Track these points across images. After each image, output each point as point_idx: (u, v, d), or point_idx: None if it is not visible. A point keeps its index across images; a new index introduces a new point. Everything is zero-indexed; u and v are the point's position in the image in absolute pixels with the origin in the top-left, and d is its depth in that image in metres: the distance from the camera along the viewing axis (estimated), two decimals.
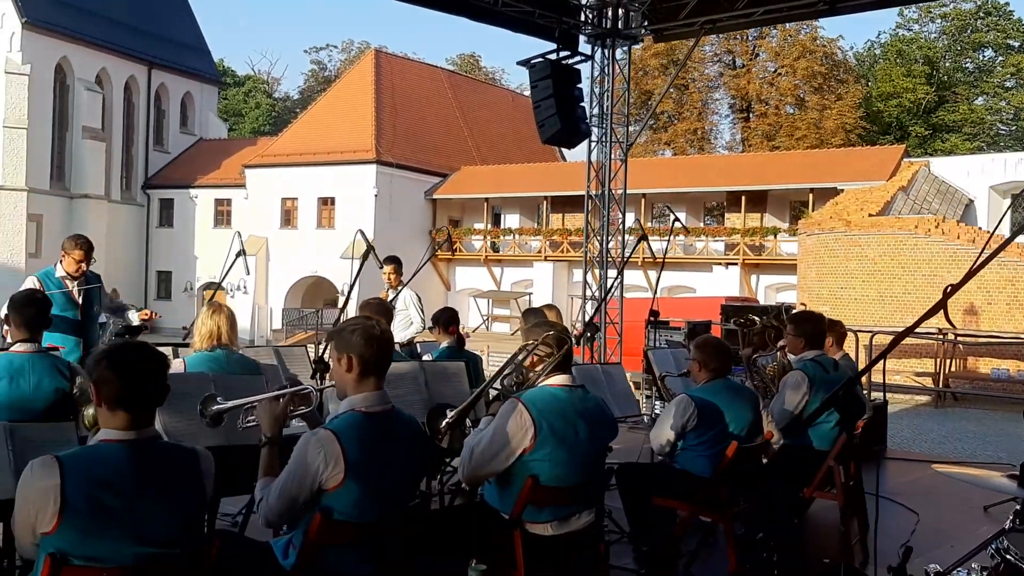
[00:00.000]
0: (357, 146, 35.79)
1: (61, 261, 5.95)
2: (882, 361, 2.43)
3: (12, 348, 4.22)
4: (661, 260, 6.23)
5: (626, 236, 12.15)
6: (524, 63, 10.59)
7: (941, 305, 2.34)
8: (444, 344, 5.83)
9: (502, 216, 38.69)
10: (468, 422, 3.59)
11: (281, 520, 2.81)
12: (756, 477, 4.71)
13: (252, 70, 64.48)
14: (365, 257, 5.25)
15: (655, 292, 6.43)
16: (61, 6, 35.72)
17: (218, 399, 3.09)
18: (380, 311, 5.02)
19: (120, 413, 2.37)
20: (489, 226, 37.32)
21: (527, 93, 47.45)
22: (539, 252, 35.77)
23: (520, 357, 3.37)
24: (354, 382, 2.82)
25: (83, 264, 5.89)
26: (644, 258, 27.16)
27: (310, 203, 36.70)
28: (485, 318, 37.61)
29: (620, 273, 7.46)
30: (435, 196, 37.69)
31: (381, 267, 7.11)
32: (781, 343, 6.28)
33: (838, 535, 5.34)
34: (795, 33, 43.83)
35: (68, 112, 36.60)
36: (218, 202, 39.01)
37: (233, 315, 4.71)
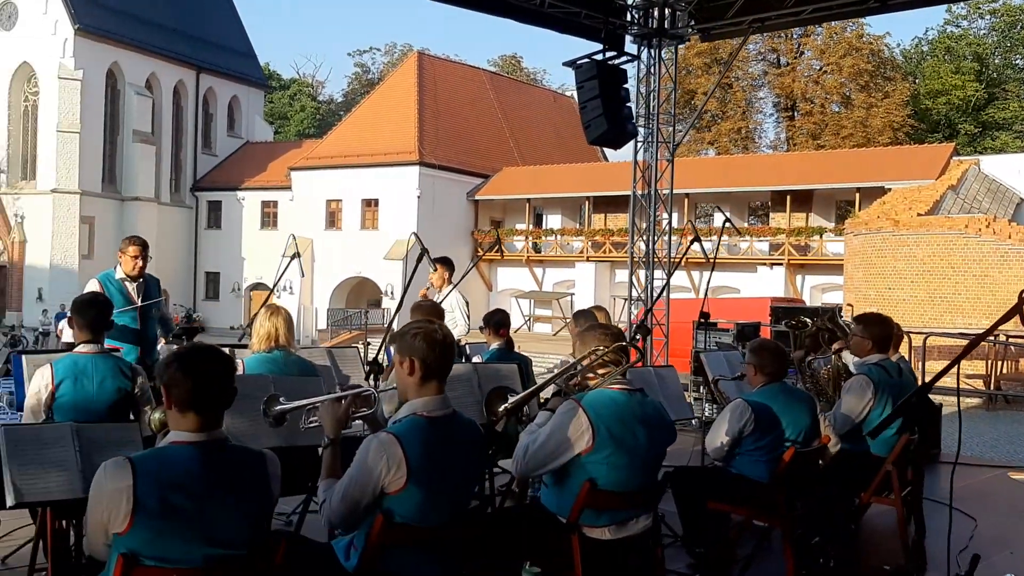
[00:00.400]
0: (400, 148, 36.04)
1: (119, 263, 6.06)
2: (956, 366, 2.39)
3: (76, 349, 4.31)
4: (712, 261, 6.16)
5: (671, 237, 12.06)
6: (570, 64, 10.56)
7: (1017, 310, 2.30)
8: (494, 346, 5.84)
9: (544, 216, 38.69)
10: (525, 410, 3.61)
11: (344, 522, 2.84)
12: (813, 482, 4.64)
13: (297, 73, 65.33)
14: (420, 259, 5.28)
15: (705, 293, 6.37)
16: (112, 13, 36.48)
17: (280, 399, 3.12)
18: (432, 313, 5.05)
19: (190, 415, 2.40)
20: (531, 227, 37.34)
21: (569, 93, 47.68)
22: (581, 252, 35.70)
23: (589, 360, 3.36)
24: (416, 386, 2.84)
25: (139, 261, 5.98)
26: (688, 258, 26.96)
27: (354, 205, 37.05)
28: (527, 319, 37.62)
29: (669, 275, 7.37)
30: (477, 197, 37.82)
31: (435, 269, 7.14)
32: (836, 346, 6.19)
33: (895, 541, 5.24)
34: (841, 30, 43.18)
35: (119, 116, 37.38)
36: (264, 204, 39.54)
37: (290, 317, 4.76)
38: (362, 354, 5.84)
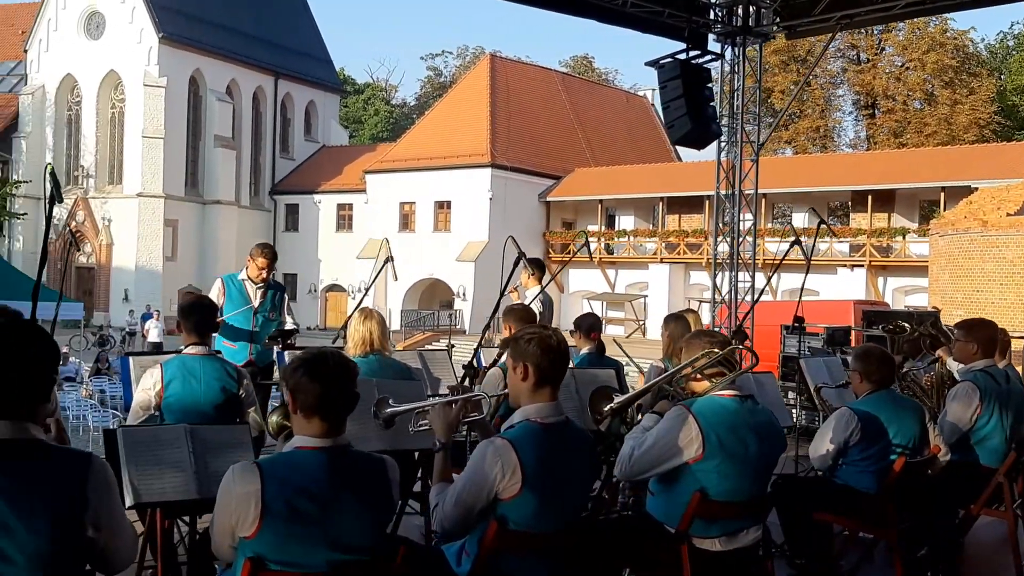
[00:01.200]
0: (473, 150, 36.25)
1: (247, 266, 6.33)
2: None
3: (185, 351, 4.41)
4: (807, 263, 6.01)
5: (756, 238, 11.84)
6: (653, 63, 10.45)
7: None
8: (585, 350, 5.77)
9: (616, 218, 38.44)
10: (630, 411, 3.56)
11: (457, 527, 2.83)
12: (921, 493, 4.48)
13: (371, 78, 66.29)
14: (516, 263, 5.27)
15: (799, 296, 6.22)
16: (195, 21, 37.55)
17: (390, 401, 3.13)
18: (525, 317, 5.02)
19: (315, 420, 2.41)
20: (603, 228, 37.15)
21: (641, 93, 47.32)
22: (655, 254, 35.37)
23: (699, 364, 3.29)
24: (529, 392, 2.82)
25: (263, 272, 6.26)
26: (764, 259, 26.48)
27: (427, 207, 37.39)
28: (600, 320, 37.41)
29: (769, 278, 7.19)
30: (549, 198, 37.79)
31: (533, 273, 7.18)
32: (939, 352, 5.98)
33: (1006, 555, 5.03)
34: (923, 26, 41.86)
35: (201, 122, 38.45)
36: (340, 207, 40.19)
37: (384, 320, 4.79)
38: (451, 357, 5.85)
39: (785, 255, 5.85)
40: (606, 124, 43.36)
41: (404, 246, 37.19)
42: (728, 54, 11.29)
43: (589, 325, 5.80)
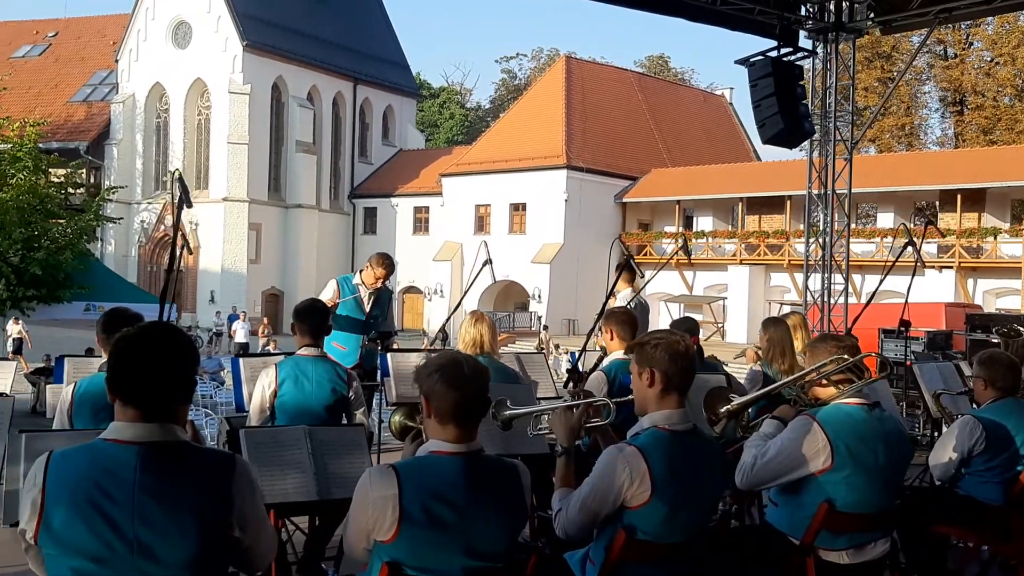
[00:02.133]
0: (548, 152, 36.24)
1: (362, 271, 6.54)
2: None
3: (298, 352, 4.50)
4: (915, 264, 5.80)
5: (849, 239, 11.53)
6: (742, 62, 10.28)
7: None
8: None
9: (694, 218, 37.95)
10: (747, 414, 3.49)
11: (580, 533, 2.80)
12: None
13: (446, 81, 66.87)
14: (621, 269, 5.23)
15: (905, 299, 6.01)
16: (277, 29, 38.44)
17: (508, 403, 3.11)
18: (626, 321, 4.95)
19: (450, 426, 2.40)
20: (680, 229, 36.70)
21: (719, 92, 46.58)
22: (734, 255, 34.81)
23: (827, 369, 3.20)
24: (656, 398, 2.77)
25: (381, 281, 6.47)
26: (851, 261, 25.78)
27: (502, 209, 37.53)
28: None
29: (882, 280, 6.90)
30: (625, 199, 37.53)
31: (642, 275, 7.13)
32: None
33: None
34: (1013, 20, 40.26)
35: (283, 127, 39.33)
36: (417, 210, 40.64)
37: (494, 324, 4.80)
38: (551, 360, 5.83)
39: (899, 256, 5.65)
40: (683, 124, 42.87)
41: (479, 248, 37.44)
42: (820, 51, 11.03)
43: (687, 329, 5.66)
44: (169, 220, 38.21)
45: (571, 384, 4.66)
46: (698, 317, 36.86)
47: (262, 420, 4.32)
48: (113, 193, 20.84)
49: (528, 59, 64.94)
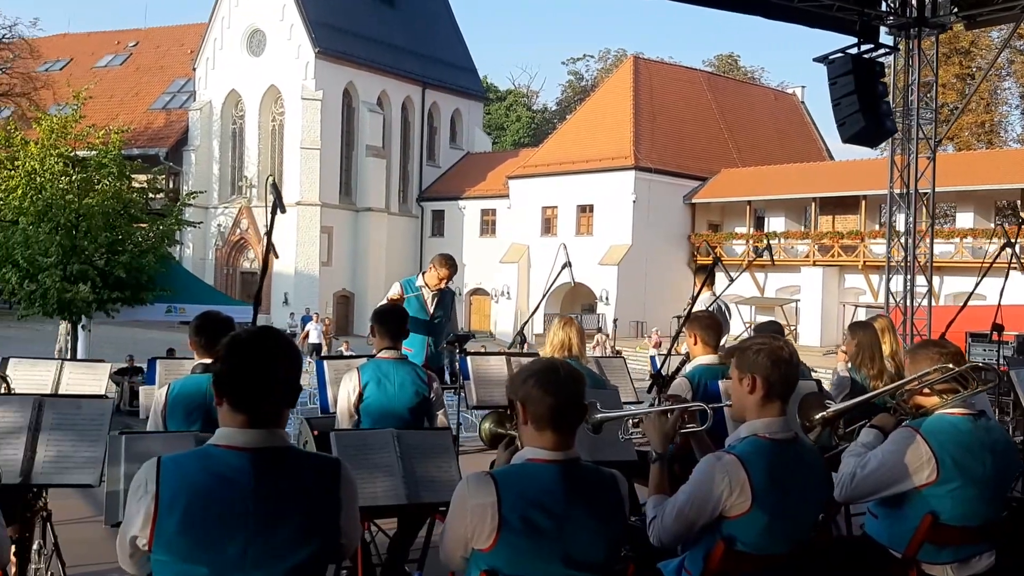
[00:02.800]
0: (616, 153, 36.04)
1: (425, 272, 6.61)
2: None
3: (379, 355, 4.54)
4: (1008, 265, 5.58)
5: (932, 239, 11.17)
6: (821, 59, 10.04)
7: None
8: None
9: (765, 219, 37.31)
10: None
11: (675, 541, 2.76)
12: None
13: (513, 84, 67.03)
14: (711, 272, 5.19)
15: (999, 302, 5.79)
16: (348, 35, 39.06)
17: (598, 406, 3.07)
18: (711, 324, 4.88)
19: (547, 433, 2.37)
20: (751, 230, 36.13)
21: (791, 91, 45.65)
22: (807, 256, 34.11)
23: (931, 378, 3.09)
24: (756, 405, 2.71)
25: (444, 282, 6.55)
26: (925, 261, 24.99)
27: (569, 211, 37.44)
28: (748, 325, 36.41)
29: (978, 283, 6.64)
30: (694, 200, 37.10)
31: (733, 279, 7.04)
32: None
33: None
34: None
35: (354, 132, 39.94)
36: (484, 212, 40.83)
37: (583, 329, 4.79)
38: (629, 364, 5.78)
39: (996, 257, 5.45)
40: (753, 123, 42.19)
41: (545, 250, 37.38)
42: (901, 47, 10.72)
43: (772, 332, 5.53)
44: (244, 224, 39.18)
45: (655, 389, 4.61)
46: (769, 319, 36.20)
47: (351, 424, 4.37)
48: (193, 198, 21.43)
49: (595, 60, 64.78)
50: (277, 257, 4.47)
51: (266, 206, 4.23)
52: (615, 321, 34.14)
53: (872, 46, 10.24)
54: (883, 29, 10.74)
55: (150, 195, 19.25)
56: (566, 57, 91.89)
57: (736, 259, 35.96)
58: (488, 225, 40.79)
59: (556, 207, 37.73)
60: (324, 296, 37.94)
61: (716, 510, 2.63)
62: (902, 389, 3.24)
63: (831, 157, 43.94)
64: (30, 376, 4.98)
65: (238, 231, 39.32)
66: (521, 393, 2.41)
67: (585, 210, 37.23)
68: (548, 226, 38.03)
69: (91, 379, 4.78)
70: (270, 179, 3.69)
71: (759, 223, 37.24)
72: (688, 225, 37.47)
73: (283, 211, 3.42)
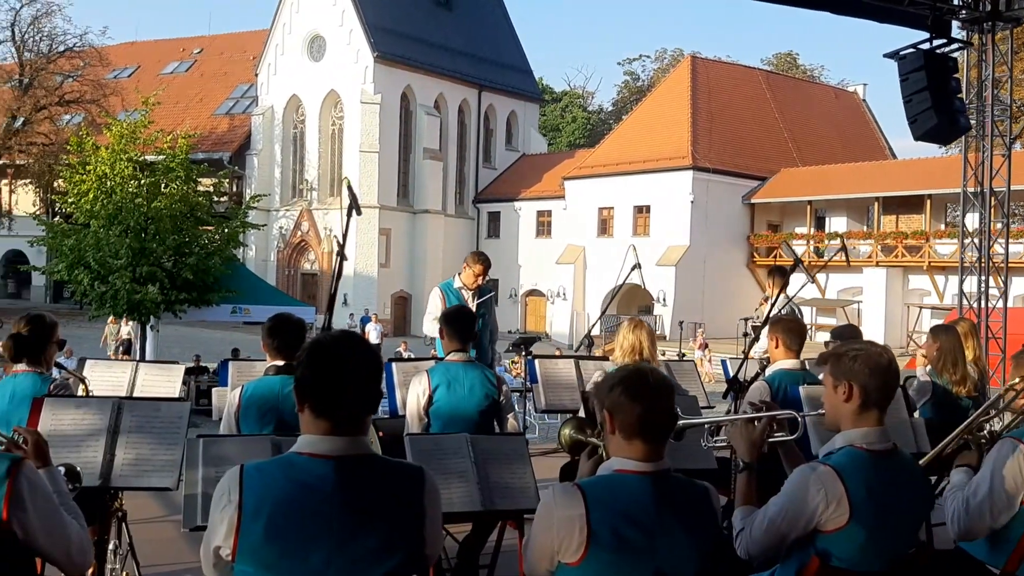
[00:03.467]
0: (673, 153, 35.68)
1: (460, 273, 6.55)
2: None
3: (447, 358, 4.53)
4: None
5: (1008, 240, 10.81)
6: (892, 55, 9.77)
7: None
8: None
9: (826, 219, 36.59)
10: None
11: (764, 554, 2.67)
12: None
13: (568, 85, 66.89)
14: (789, 274, 5.09)
15: None
16: (406, 39, 39.38)
17: (679, 411, 2.99)
18: (794, 328, 4.74)
19: (637, 443, 2.29)
20: (812, 230, 35.47)
21: (852, 89, 44.69)
22: (870, 257, 33.35)
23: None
24: (852, 414, 2.60)
25: (480, 278, 6.46)
26: (995, 262, 24.20)
27: (626, 212, 37.19)
28: (808, 327, 35.75)
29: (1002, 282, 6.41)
30: (753, 200, 36.55)
31: (811, 281, 6.89)
32: None
33: None
34: None
35: (411, 135, 40.25)
36: (539, 213, 40.78)
37: (653, 332, 4.71)
38: (702, 368, 5.68)
39: None
40: (813, 122, 41.42)
41: (602, 251, 37.20)
42: (974, 42, 10.40)
43: (850, 337, 5.36)
44: (305, 226, 39.74)
45: (731, 394, 4.51)
46: (831, 321, 35.42)
47: (421, 427, 4.36)
48: (257, 201, 21.83)
49: (651, 60, 64.25)
50: (346, 260, 4.47)
51: (342, 208, 4.24)
52: (680, 323, 33.76)
53: (944, 41, 9.93)
54: (955, 24, 10.42)
55: (215, 198, 19.63)
56: (622, 57, 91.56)
57: (823, 261, 35.39)
58: (544, 226, 40.73)
59: (612, 208, 37.51)
60: (382, 297, 38.29)
61: (810, 523, 2.53)
62: (1004, 402, 3.11)
63: (894, 156, 42.93)
64: (106, 377, 5.08)
65: (299, 233, 39.89)
66: (608, 402, 2.35)
67: (642, 211, 36.93)
68: (604, 227, 37.83)
69: (165, 381, 4.86)
70: (347, 180, 3.71)
71: (819, 223, 36.54)
72: (747, 225, 36.94)
73: (359, 213, 3.42)
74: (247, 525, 1.98)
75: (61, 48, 37.25)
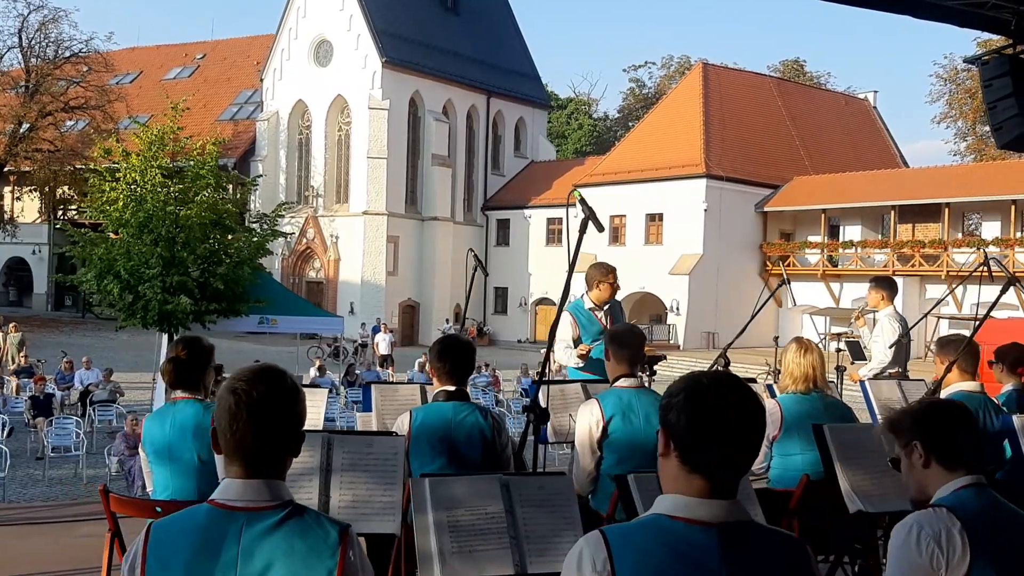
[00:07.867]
0: (686, 161, 35.46)
1: (587, 292, 5.89)
2: None
3: (616, 384, 4.16)
4: None
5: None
6: (972, 60, 9.51)
7: None
8: (1009, 387, 4.98)
9: (840, 228, 36.41)
10: None
11: None
12: None
13: (573, 92, 66.64)
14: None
15: None
16: (414, 45, 39.04)
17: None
18: (969, 352, 4.43)
19: (696, 478, 1.77)
20: (826, 239, 35.28)
21: (861, 95, 44.57)
22: (885, 266, 33.14)
23: None
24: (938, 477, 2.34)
25: (616, 285, 5.83)
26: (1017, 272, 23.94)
27: (638, 220, 36.93)
28: (822, 337, 35.50)
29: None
30: (766, 208, 36.37)
31: (884, 293, 6.53)
32: None
33: None
34: None
35: (420, 141, 39.87)
36: (549, 221, 40.45)
37: (822, 353, 4.36)
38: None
39: None
40: (825, 129, 41.31)
41: (613, 260, 36.65)
42: None
43: (1015, 358, 4.96)
44: (311, 233, 39.25)
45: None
46: (845, 331, 35.27)
47: (593, 461, 3.99)
48: (286, 208, 21.41)
49: (658, 67, 64.08)
50: (486, 274, 4.11)
51: (578, 219, 3.82)
52: (711, 334, 33.51)
53: None
54: None
55: (244, 207, 19.21)
56: (627, 64, 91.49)
57: (810, 268, 35.25)
58: (554, 234, 40.42)
59: (624, 216, 37.24)
60: (390, 306, 37.86)
61: None
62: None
63: (905, 164, 42.87)
64: None
65: (304, 240, 39.43)
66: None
67: (654, 219, 36.69)
68: (616, 235, 37.55)
69: (311, 407, 4.48)
70: (578, 194, 3.33)
71: (833, 232, 36.37)
72: (760, 234, 36.75)
73: (600, 229, 3.07)
74: None
75: (67, 54, 36.75)
